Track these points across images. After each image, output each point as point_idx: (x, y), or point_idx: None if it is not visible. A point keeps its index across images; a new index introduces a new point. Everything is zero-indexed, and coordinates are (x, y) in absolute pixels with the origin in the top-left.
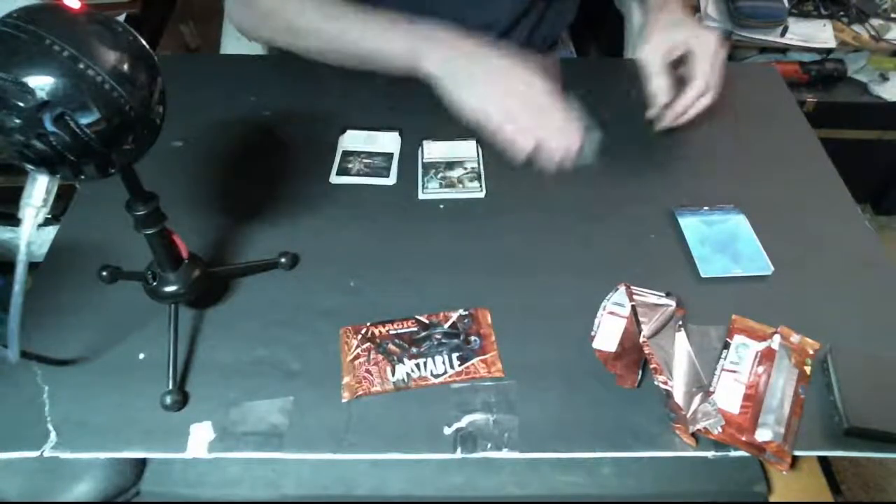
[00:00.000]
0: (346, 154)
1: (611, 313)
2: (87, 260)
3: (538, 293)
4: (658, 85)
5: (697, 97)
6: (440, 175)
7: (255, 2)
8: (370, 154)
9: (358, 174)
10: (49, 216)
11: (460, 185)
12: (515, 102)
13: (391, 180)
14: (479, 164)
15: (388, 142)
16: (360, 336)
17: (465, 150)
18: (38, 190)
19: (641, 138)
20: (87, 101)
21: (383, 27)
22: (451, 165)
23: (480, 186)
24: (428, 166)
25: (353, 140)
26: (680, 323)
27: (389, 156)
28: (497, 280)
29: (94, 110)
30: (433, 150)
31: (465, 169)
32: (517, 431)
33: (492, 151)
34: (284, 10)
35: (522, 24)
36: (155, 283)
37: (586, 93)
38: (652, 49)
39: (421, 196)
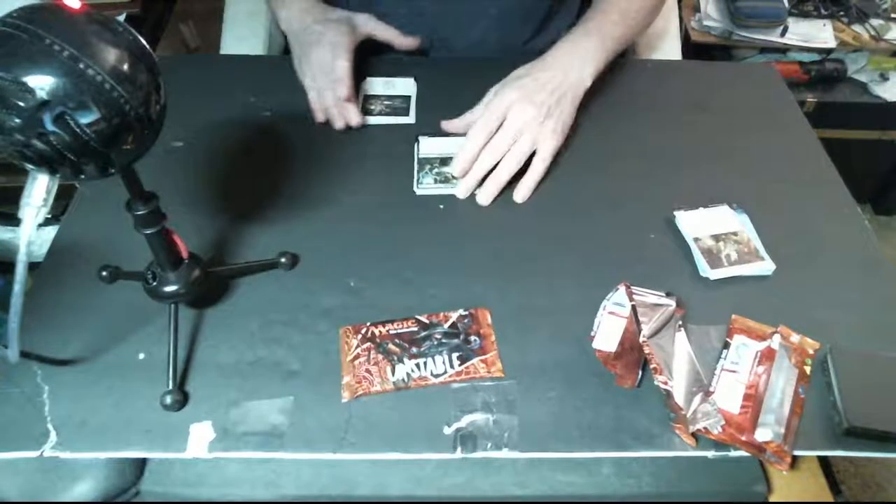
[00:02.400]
0: (368, 97)
1: (611, 313)
2: (87, 260)
3: (538, 293)
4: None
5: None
6: (435, 171)
7: None
8: (390, 97)
9: (380, 114)
10: (49, 216)
11: (455, 181)
12: (316, 74)
13: (411, 119)
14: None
15: (406, 86)
16: (360, 336)
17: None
18: (38, 190)
19: (641, 138)
20: (87, 100)
21: None
22: (445, 161)
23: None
24: (423, 162)
25: (372, 85)
26: (680, 323)
27: (407, 98)
28: (497, 280)
29: (94, 110)
30: (429, 147)
31: None
32: (517, 431)
33: None
34: None
35: (525, 28)
36: (155, 283)
37: None
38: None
39: (417, 191)
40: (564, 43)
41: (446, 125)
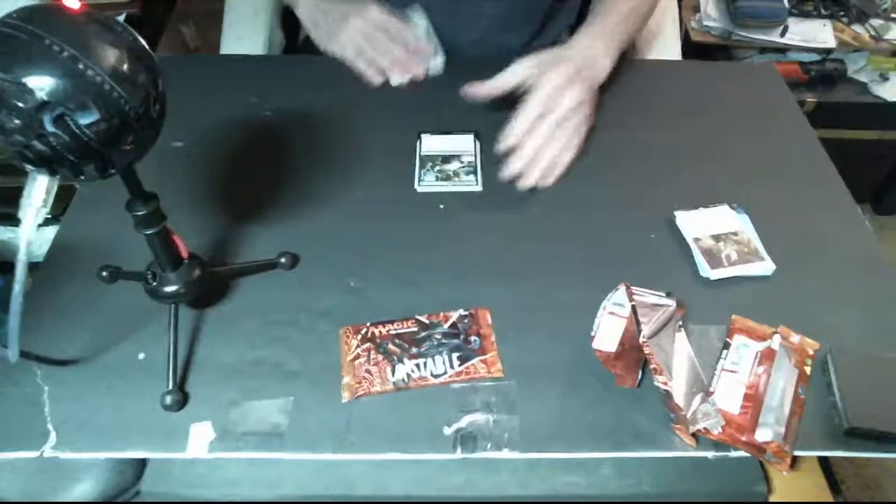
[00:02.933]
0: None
1: (611, 313)
2: (87, 260)
3: (538, 293)
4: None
5: (531, 121)
6: (437, 168)
7: None
8: (447, 157)
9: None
10: (49, 216)
11: (456, 179)
12: (360, 39)
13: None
14: (475, 158)
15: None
16: (360, 336)
17: (463, 143)
18: (38, 190)
19: (641, 138)
20: (87, 101)
21: None
22: (447, 159)
23: (476, 180)
24: (425, 159)
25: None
26: (680, 323)
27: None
28: (497, 280)
29: (94, 110)
30: (430, 144)
31: (462, 163)
32: (517, 431)
33: (490, 147)
34: None
35: (525, 28)
36: (155, 283)
37: None
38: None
39: (417, 188)
40: (581, 37)
41: (474, 89)
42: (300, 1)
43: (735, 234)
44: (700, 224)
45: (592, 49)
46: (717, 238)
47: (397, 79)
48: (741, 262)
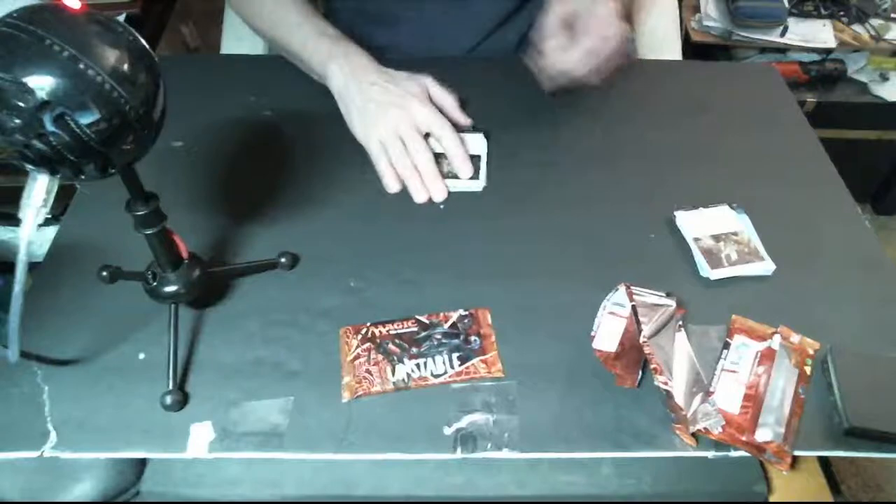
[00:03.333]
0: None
1: (611, 313)
2: (87, 260)
3: (538, 293)
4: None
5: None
6: (442, 165)
7: None
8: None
9: (446, 177)
10: (49, 216)
11: (461, 178)
12: (390, 140)
13: (481, 183)
14: (482, 158)
15: (475, 144)
16: (360, 336)
17: (473, 143)
18: (38, 190)
19: (641, 138)
20: (87, 101)
21: (308, 38)
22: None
23: (479, 178)
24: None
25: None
26: (680, 323)
27: (477, 158)
28: (497, 280)
29: (94, 110)
30: (436, 143)
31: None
32: (517, 431)
33: (496, 147)
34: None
35: (508, 27)
36: (155, 283)
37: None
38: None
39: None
40: None
41: (544, 62)
42: (333, 72)
43: (735, 234)
44: (700, 224)
45: None
46: (717, 238)
47: (417, 198)
48: (741, 262)
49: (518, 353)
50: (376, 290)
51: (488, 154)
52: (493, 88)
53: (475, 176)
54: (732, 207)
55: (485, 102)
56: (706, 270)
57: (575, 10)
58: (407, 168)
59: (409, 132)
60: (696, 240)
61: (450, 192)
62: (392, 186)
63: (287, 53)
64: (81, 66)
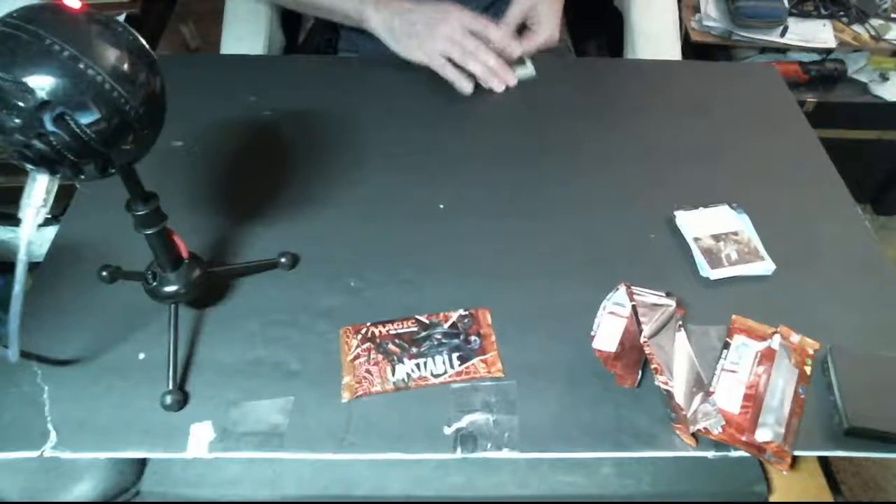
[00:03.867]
0: None
1: (611, 313)
2: (87, 260)
3: (538, 293)
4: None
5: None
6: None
7: None
8: None
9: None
10: (49, 216)
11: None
12: (449, 46)
13: (529, 70)
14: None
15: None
16: (360, 336)
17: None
18: (38, 190)
19: (641, 138)
20: (87, 100)
21: None
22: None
23: (526, 64)
24: None
25: None
26: (680, 323)
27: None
28: (497, 280)
29: (94, 110)
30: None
31: None
32: (517, 431)
33: (495, 147)
34: None
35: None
36: (155, 283)
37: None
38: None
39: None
40: None
41: (503, 74)
42: (370, 14)
43: (735, 234)
44: (700, 224)
45: None
46: (717, 238)
47: (497, 86)
48: (741, 261)
49: (518, 353)
50: (376, 290)
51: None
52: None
53: (523, 62)
54: (732, 207)
55: (485, 102)
56: (706, 270)
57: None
58: (477, 64)
59: (462, 35)
60: (696, 239)
61: (451, 192)
62: (466, 88)
63: (316, 10)
64: (81, 65)
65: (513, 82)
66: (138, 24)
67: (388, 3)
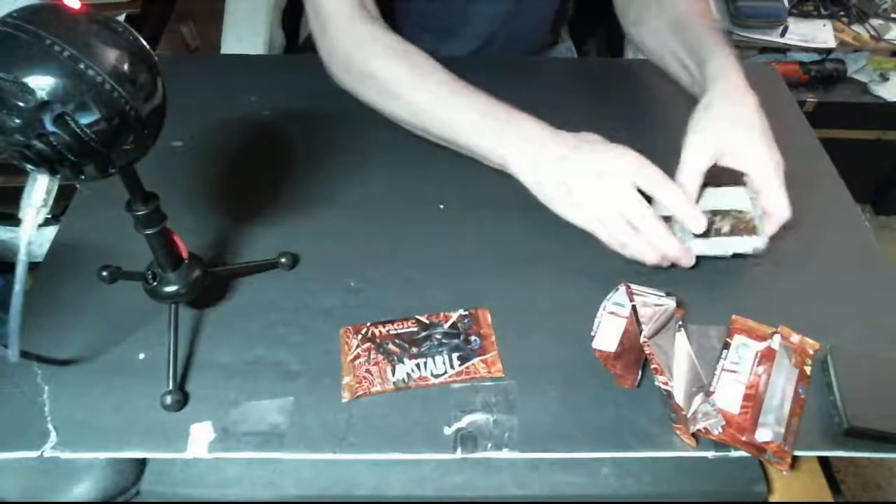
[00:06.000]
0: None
1: (611, 313)
2: (87, 260)
3: (538, 293)
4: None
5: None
6: None
7: (353, 65)
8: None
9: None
10: (49, 216)
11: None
12: (608, 218)
13: (762, 240)
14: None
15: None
16: (360, 336)
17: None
18: (38, 190)
19: (641, 138)
20: (87, 101)
21: (474, 120)
22: None
23: (757, 234)
24: None
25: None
26: (680, 323)
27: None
28: (497, 280)
29: (95, 110)
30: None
31: None
32: (517, 431)
33: None
34: (384, 77)
35: (508, 22)
36: (155, 283)
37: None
38: (694, 151)
39: None
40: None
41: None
42: (510, 161)
43: (740, 212)
44: (706, 200)
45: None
46: (716, 213)
47: (665, 265)
48: (732, 234)
49: (518, 353)
50: (376, 290)
51: None
52: (494, 90)
53: (754, 230)
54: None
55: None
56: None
57: (721, 153)
58: (640, 245)
59: (624, 201)
60: None
61: (450, 192)
62: (650, 258)
63: (446, 143)
64: (81, 66)
65: (687, 264)
66: (138, 24)
67: (535, 153)
